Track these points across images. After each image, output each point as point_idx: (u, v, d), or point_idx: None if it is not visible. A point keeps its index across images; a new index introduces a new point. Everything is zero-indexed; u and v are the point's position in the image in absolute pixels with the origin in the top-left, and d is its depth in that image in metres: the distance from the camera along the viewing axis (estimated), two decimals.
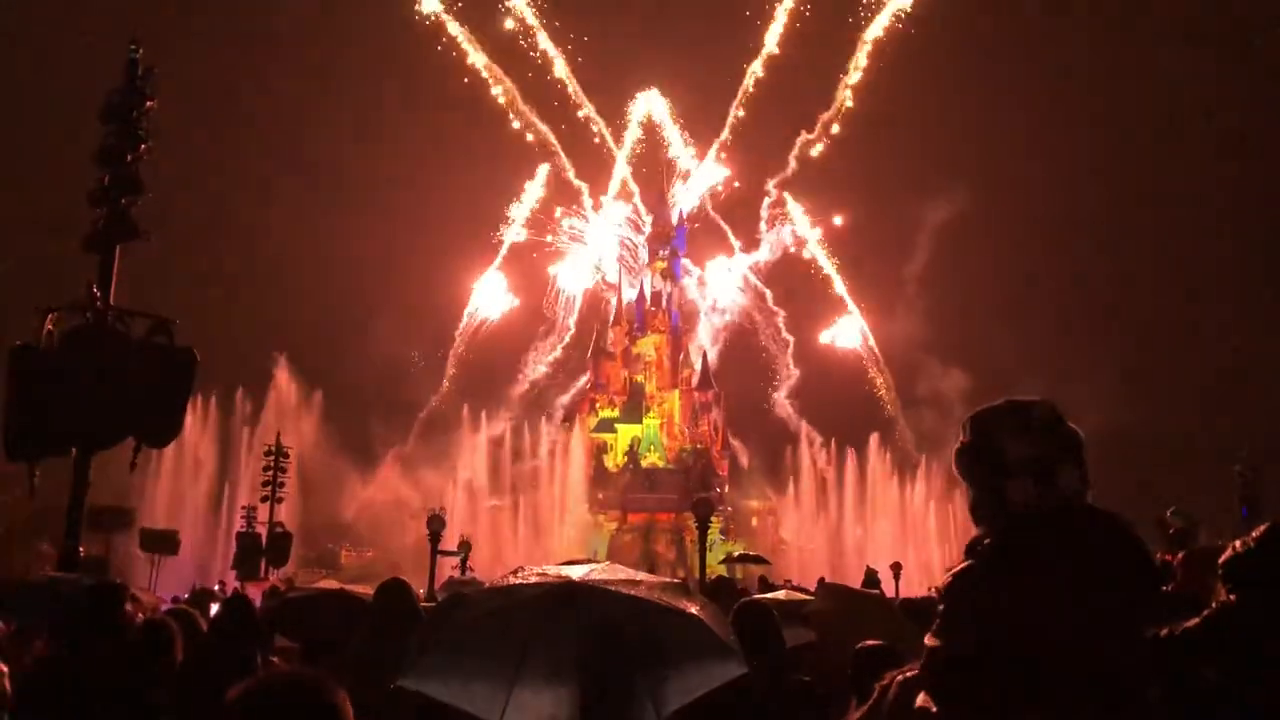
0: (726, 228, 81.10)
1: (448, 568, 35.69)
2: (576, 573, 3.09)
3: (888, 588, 26.25)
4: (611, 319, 76.32)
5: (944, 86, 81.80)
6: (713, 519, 30.79)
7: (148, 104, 11.98)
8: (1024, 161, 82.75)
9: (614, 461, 68.15)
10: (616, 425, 70.09)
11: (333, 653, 6.40)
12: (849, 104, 77.04)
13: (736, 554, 39.14)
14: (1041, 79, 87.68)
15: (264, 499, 35.18)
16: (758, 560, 34.00)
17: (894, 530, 68.69)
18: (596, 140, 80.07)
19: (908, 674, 3.25)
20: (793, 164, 79.59)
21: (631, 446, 68.49)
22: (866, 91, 76.88)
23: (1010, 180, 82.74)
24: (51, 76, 66.91)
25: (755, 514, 66.30)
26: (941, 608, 2.18)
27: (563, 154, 78.94)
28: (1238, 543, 2.95)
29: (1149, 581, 2.05)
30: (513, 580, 3.17)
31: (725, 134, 79.44)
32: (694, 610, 3.05)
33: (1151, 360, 71.78)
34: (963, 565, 2.16)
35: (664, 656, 2.95)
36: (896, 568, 31.39)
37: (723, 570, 36.96)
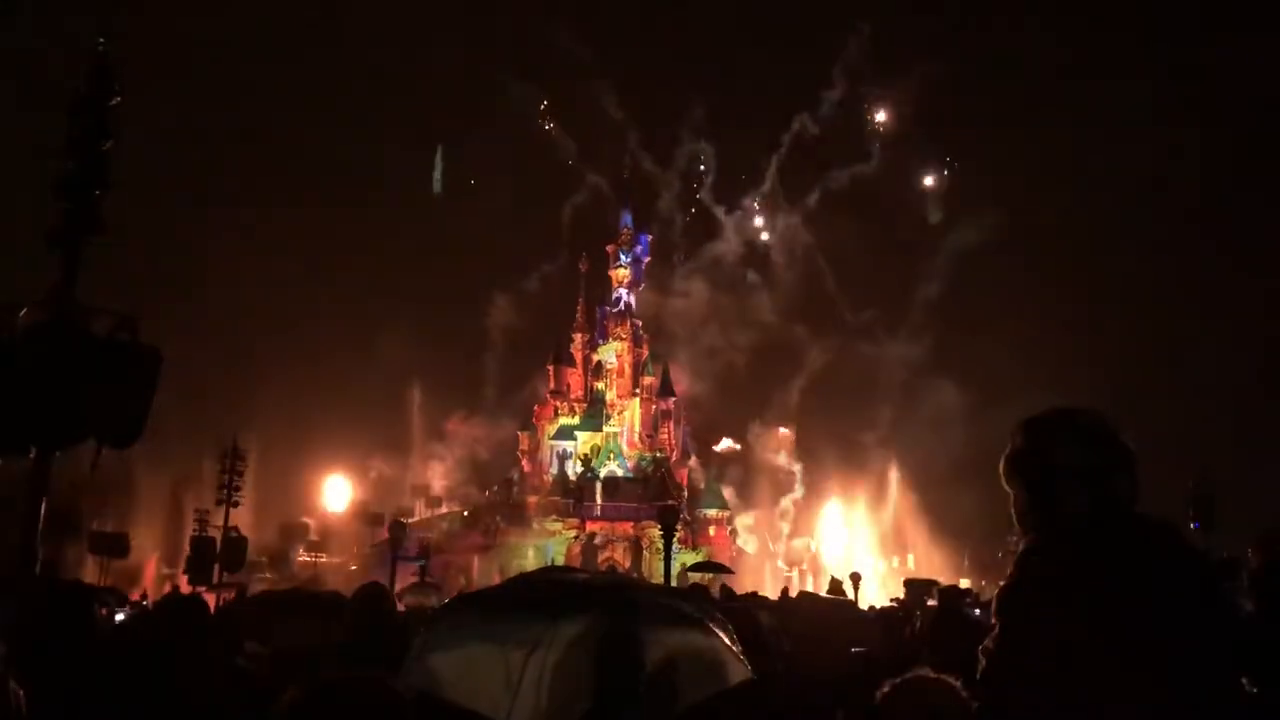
0: (759, 279, 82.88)
1: (406, 575, 35.30)
2: (582, 576, 3.09)
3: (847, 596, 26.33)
4: (574, 326, 76.25)
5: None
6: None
7: (115, 98, 11.74)
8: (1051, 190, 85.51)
9: (573, 469, 67.93)
10: (576, 433, 69.89)
11: (305, 656, 6.30)
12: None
13: (697, 562, 39.06)
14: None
15: (219, 502, 34.58)
16: (718, 569, 34.03)
17: (849, 540, 69.28)
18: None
19: (908, 679, 3.26)
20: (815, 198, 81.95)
21: (591, 455, 68.33)
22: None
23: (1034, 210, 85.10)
24: (13, 71, 65.52)
25: (713, 523, 66.38)
26: (998, 617, 2.18)
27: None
28: (1266, 554, 3.00)
29: (1204, 587, 2.05)
30: (518, 585, 3.15)
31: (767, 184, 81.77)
32: (700, 615, 3.06)
33: (1107, 374, 73.08)
34: (1018, 575, 2.15)
35: (673, 657, 2.94)
36: (856, 577, 31.54)
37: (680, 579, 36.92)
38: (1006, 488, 2.34)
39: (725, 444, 78.15)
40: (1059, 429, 2.27)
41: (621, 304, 75.78)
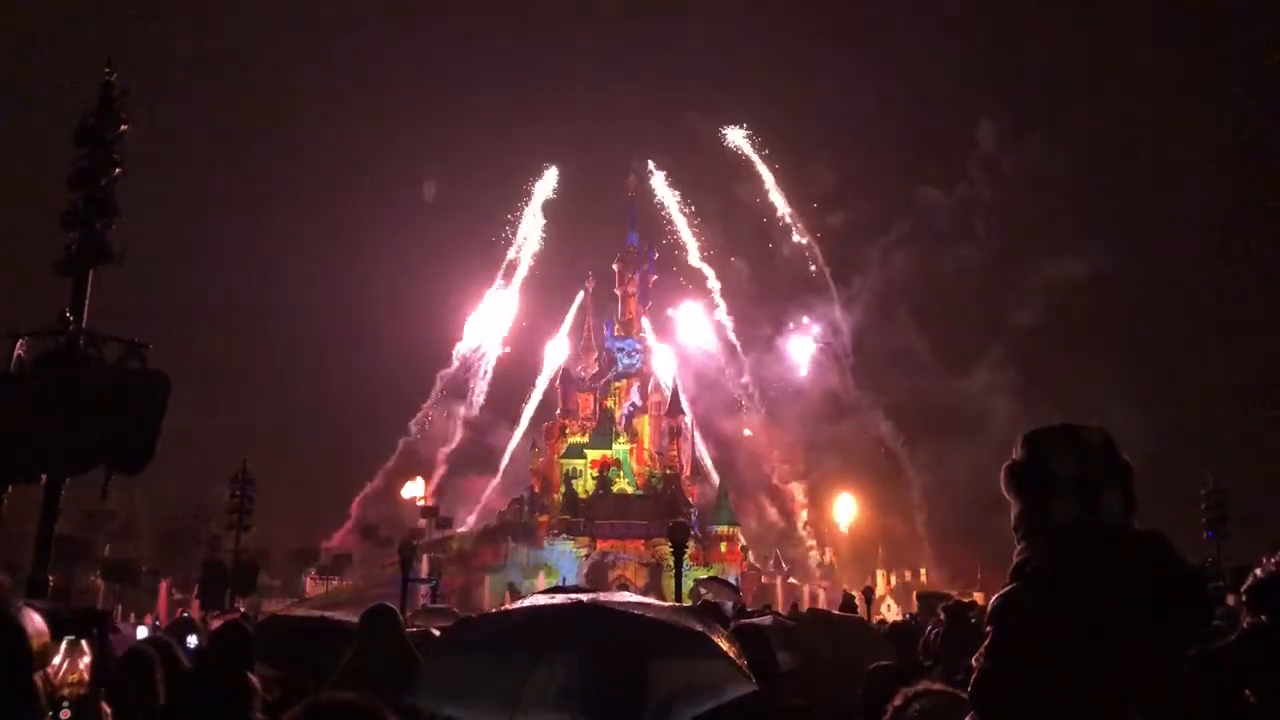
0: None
1: (417, 596, 35.22)
2: (585, 595, 3.10)
3: (859, 611, 26.22)
4: (582, 345, 76.29)
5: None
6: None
7: (122, 126, 11.87)
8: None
9: (583, 488, 67.77)
10: (586, 451, 69.79)
11: (318, 678, 6.31)
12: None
13: (708, 578, 38.85)
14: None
15: (229, 527, 34.55)
16: (729, 585, 33.87)
17: (856, 555, 69.05)
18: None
19: (919, 691, 3.26)
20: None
21: (601, 472, 68.17)
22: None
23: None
24: (23, 100, 66.27)
25: (724, 539, 66.14)
26: (989, 630, 2.18)
27: None
28: (1268, 565, 2.99)
29: (1193, 602, 2.05)
30: (522, 603, 3.17)
31: None
32: (703, 630, 3.07)
33: (1123, 381, 72.84)
34: (1009, 587, 2.16)
35: (673, 673, 2.95)
36: (868, 592, 31.50)
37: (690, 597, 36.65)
38: (1006, 498, 2.37)
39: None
40: (1057, 442, 2.29)
41: (619, 318, 75.67)
